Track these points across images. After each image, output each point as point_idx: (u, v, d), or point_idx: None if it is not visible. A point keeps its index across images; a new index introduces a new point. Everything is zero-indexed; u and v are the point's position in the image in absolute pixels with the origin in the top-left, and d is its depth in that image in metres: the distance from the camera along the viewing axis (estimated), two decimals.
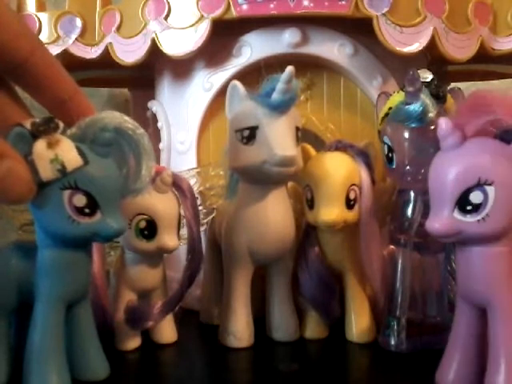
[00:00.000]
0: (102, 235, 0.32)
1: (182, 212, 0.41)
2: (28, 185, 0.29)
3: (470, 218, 0.30)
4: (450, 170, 0.30)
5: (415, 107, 0.37)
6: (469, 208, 0.30)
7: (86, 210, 0.31)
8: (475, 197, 0.29)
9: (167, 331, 0.42)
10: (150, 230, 0.39)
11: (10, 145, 0.29)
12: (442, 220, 0.30)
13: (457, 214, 0.30)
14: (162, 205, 0.39)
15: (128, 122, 0.32)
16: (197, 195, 0.46)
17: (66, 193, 0.30)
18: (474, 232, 0.30)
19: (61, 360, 0.33)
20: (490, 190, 0.29)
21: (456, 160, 0.30)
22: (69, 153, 0.30)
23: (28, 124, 0.30)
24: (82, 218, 0.31)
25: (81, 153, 0.30)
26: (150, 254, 0.40)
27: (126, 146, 0.32)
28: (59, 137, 0.30)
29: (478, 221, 0.30)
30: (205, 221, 0.48)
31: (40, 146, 0.30)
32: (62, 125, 0.31)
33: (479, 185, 0.29)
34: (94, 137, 0.31)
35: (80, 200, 0.31)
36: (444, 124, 0.31)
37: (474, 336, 0.32)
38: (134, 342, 0.41)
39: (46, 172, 0.30)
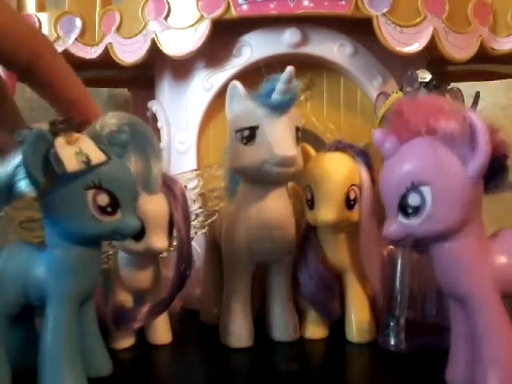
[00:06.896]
0: (122, 233, 0.32)
1: None
2: None
3: (413, 221, 0.30)
4: (388, 177, 0.31)
5: None
6: (410, 211, 0.30)
7: (109, 209, 0.31)
8: (413, 199, 0.30)
9: (161, 332, 0.42)
10: None
11: (30, 144, 0.29)
12: (392, 226, 0.31)
13: (401, 218, 0.30)
14: (151, 206, 0.39)
15: (139, 123, 0.33)
16: (198, 197, 0.46)
17: (91, 192, 0.31)
18: (420, 233, 0.30)
19: (76, 360, 0.33)
20: (426, 190, 0.29)
21: (391, 166, 0.31)
22: (91, 148, 0.31)
23: (44, 125, 0.30)
24: (104, 216, 0.31)
25: (101, 150, 0.31)
26: (139, 254, 0.40)
27: (137, 146, 0.33)
28: (78, 135, 0.31)
29: (421, 222, 0.30)
30: (206, 223, 0.47)
31: (61, 141, 0.30)
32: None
33: (414, 187, 0.29)
34: (109, 137, 0.32)
35: (103, 199, 0.31)
36: (376, 133, 0.32)
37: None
38: (127, 341, 0.41)
39: (72, 163, 0.30)
